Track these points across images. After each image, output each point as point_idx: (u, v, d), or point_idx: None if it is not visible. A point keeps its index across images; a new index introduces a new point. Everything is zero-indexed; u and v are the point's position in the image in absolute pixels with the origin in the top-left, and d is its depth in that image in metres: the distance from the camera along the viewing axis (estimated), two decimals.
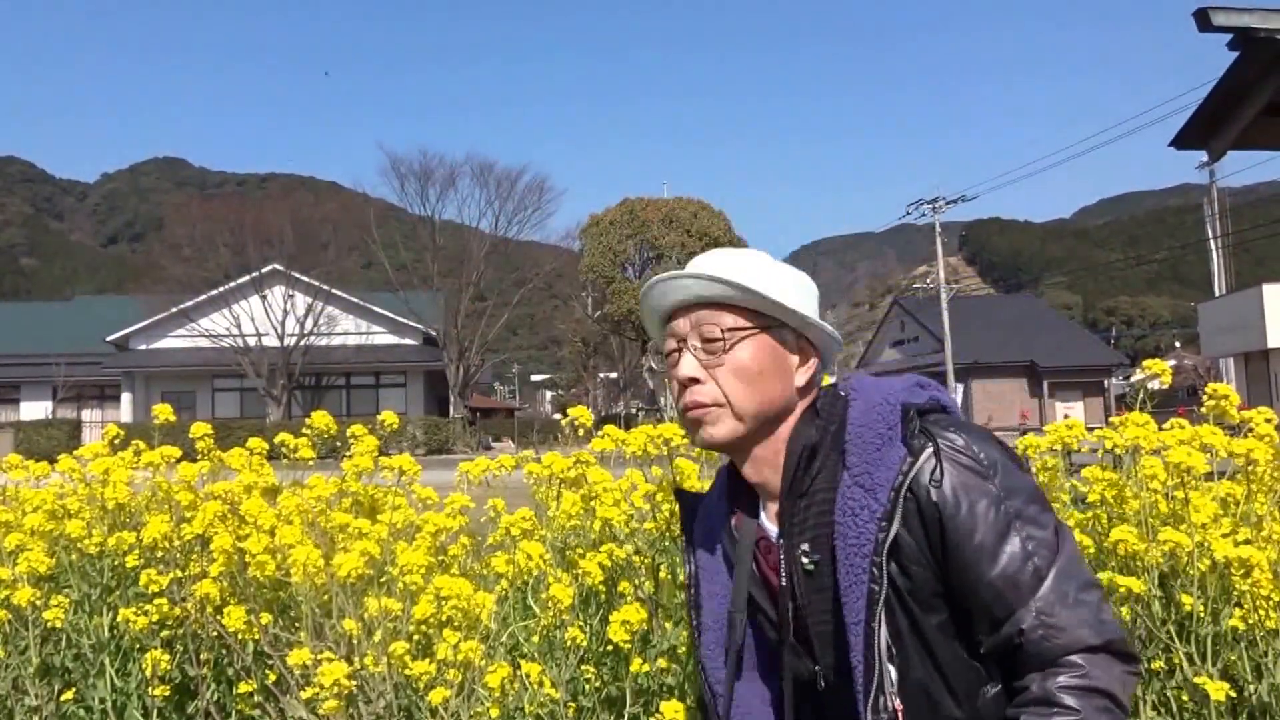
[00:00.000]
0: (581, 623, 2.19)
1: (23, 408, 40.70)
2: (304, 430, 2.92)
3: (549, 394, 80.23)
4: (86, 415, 40.42)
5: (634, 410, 44.16)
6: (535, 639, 2.14)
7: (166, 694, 2.45)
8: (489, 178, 39.82)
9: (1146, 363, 2.55)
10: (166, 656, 2.45)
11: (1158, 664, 2.04)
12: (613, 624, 2.04)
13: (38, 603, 2.44)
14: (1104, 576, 2.29)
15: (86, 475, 2.73)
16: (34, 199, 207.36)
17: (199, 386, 38.74)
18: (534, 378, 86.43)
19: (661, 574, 2.27)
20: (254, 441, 2.93)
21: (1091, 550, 2.32)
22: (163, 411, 2.86)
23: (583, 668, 2.15)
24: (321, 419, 2.88)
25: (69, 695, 2.50)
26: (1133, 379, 59.51)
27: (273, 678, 2.40)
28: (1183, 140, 7.74)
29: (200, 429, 2.74)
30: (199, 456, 2.86)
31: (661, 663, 2.13)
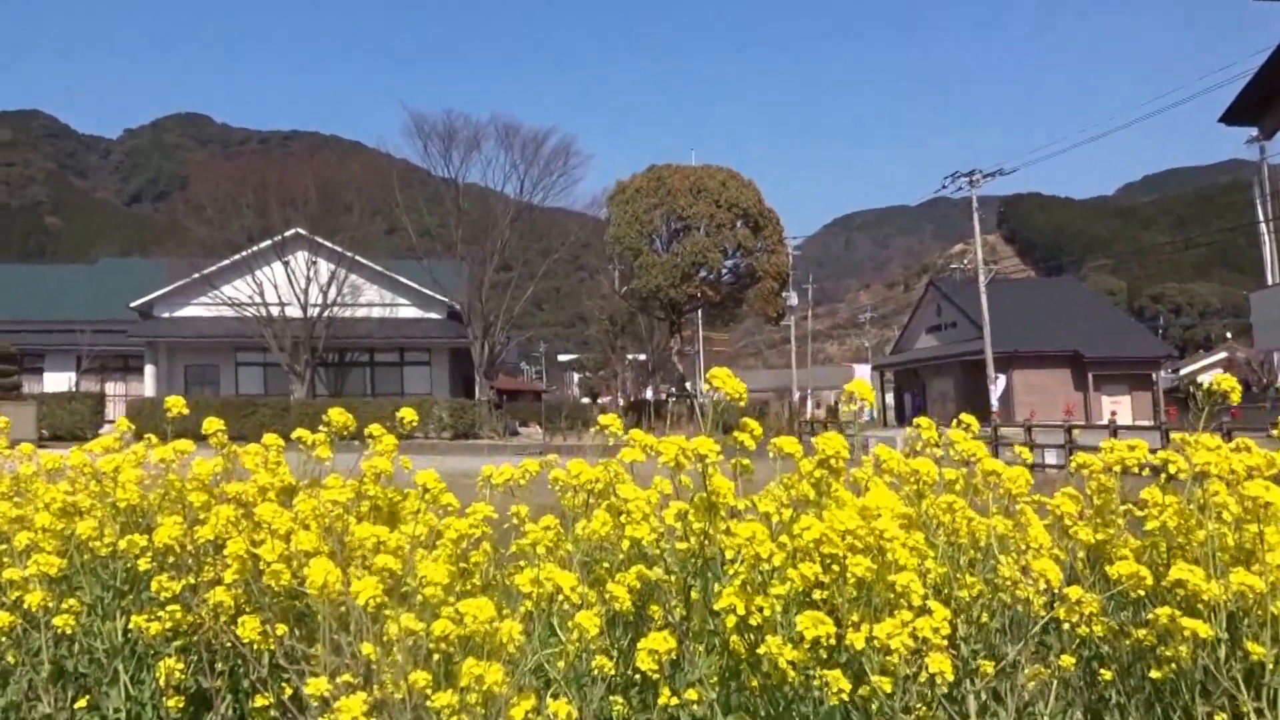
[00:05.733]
0: (609, 644, 2.09)
1: (46, 379, 40.88)
2: (322, 426, 2.83)
3: (576, 376, 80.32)
4: (110, 388, 40.78)
5: (664, 395, 43.99)
6: (561, 664, 2.03)
7: (181, 705, 2.38)
8: (514, 140, 39.31)
9: (1216, 377, 2.37)
10: (180, 665, 2.38)
11: (1221, 716, 1.89)
12: (640, 652, 1.94)
13: (50, 605, 2.37)
14: (1163, 613, 2.15)
15: (98, 472, 2.65)
16: (58, 155, 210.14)
17: (222, 361, 39.06)
18: (561, 358, 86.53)
19: (693, 596, 2.16)
20: (269, 438, 2.84)
21: (1149, 582, 2.16)
22: (175, 404, 2.78)
23: (611, 698, 2.04)
24: (339, 416, 2.78)
25: (83, 702, 2.44)
26: (1182, 372, 58.44)
27: (289, 691, 2.32)
28: (1234, 115, 7.42)
29: (212, 424, 2.65)
30: (215, 448, 2.77)
31: (691, 694, 2.02)
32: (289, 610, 2.41)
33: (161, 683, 2.37)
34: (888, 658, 1.74)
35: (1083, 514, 2.41)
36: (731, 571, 2.02)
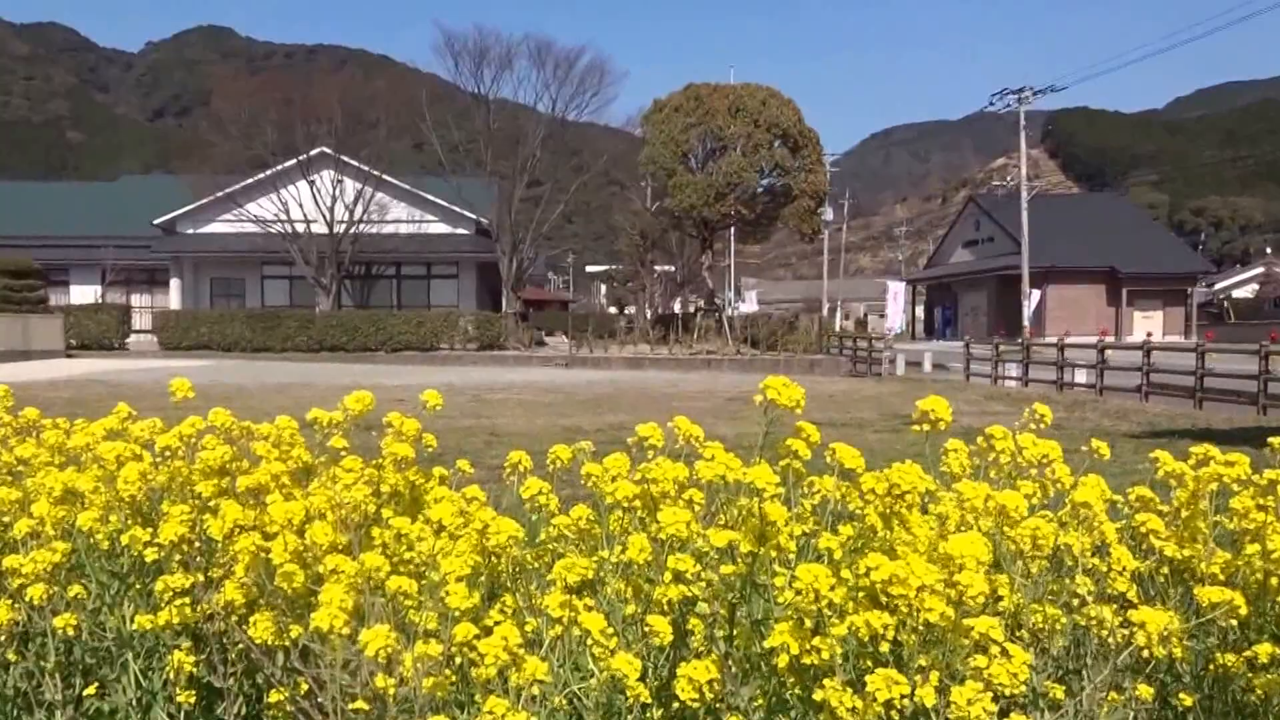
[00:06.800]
0: (644, 660, 1.93)
1: (73, 291, 41.39)
2: (340, 406, 2.64)
3: (604, 287, 79.84)
4: (135, 300, 41.18)
5: (692, 308, 43.65)
6: (594, 693, 1.86)
7: (193, 700, 2.26)
8: (546, 59, 38.59)
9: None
10: (191, 659, 2.25)
11: None
12: (679, 679, 1.77)
13: (54, 594, 2.25)
14: (1263, 651, 1.94)
15: (98, 457, 2.49)
16: (78, 69, 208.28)
17: (248, 274, 39.22)
18: (589, 269, 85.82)
19: (739, 621, 1.97)
20: (283, 420, 2.66)
21: (1244, 611, 1.96)
22: (180, 388, 2.60)
23: None
24: (357, 402, 2.59)
25: (92, 690, 2.34)
26: (1217, 287, 56.96)
27: (304, 688, 2.21)
28: None
29: (220, 416, 2.47)
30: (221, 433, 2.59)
31: None
32: (304, 608, 2.27)
33: (171, 677, 2.25)
34: None
35: (1168, 524, 2.18)
36: (784, 600, 1.82)
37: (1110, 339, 30.33)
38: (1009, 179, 47.97)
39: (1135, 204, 65.90)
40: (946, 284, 52.96)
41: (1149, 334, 33.64)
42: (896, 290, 54.06)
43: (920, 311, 57.44)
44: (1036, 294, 39.64)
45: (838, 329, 49.10)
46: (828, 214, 48.50)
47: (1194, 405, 18.12)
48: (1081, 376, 22.77)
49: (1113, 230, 46.58)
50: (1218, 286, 60.76)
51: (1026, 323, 37.31)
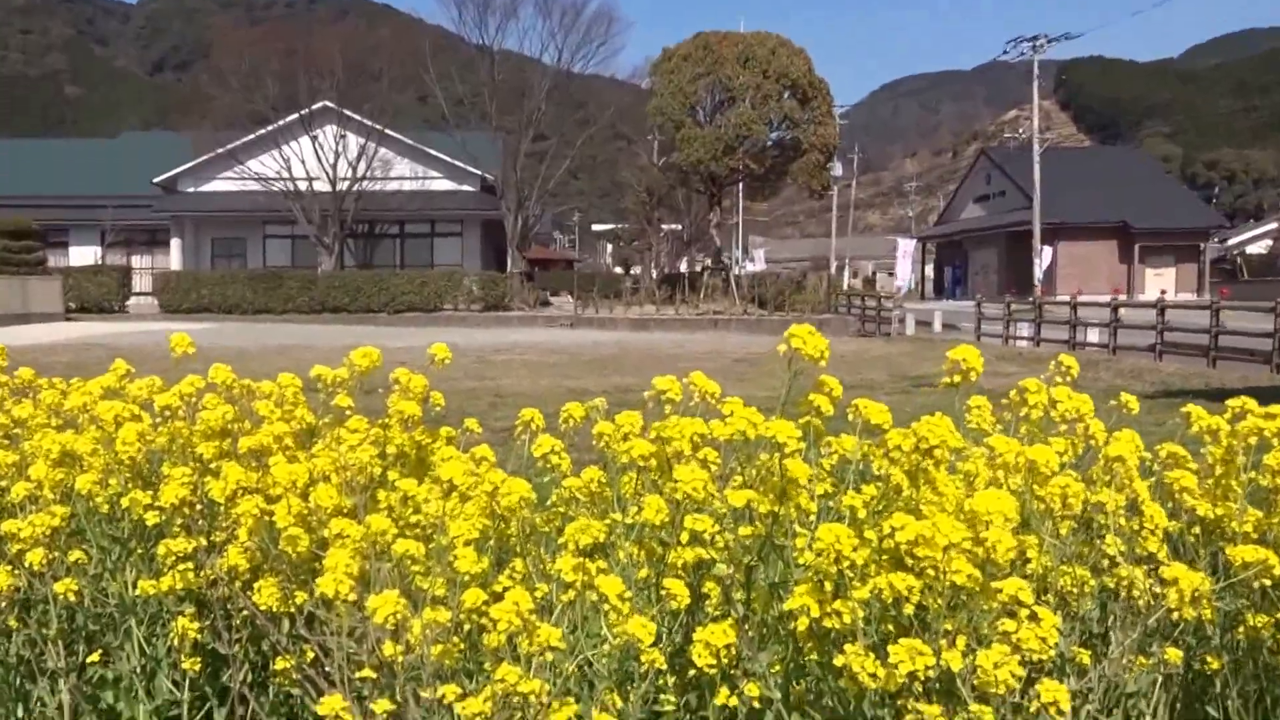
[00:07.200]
0: (658, 625, 1.88)
1: (72, 253, 41.00)
2: (343, 363, 2.57)
3: (610, 246, 79.41)
4: (136, 261, 40.91)
5: (699, 268, 43.36)
6: (605, 658, 1.81)
7: (198, 667, 2.22)
8: (553, 6, 38.04)
9: None
10: (195, 626, 2.21)
11: None
12: (696, 644, 1.71)
13: (54, 559, 2.20)
14: None
15: (96, 418, 2.42)
16: (76, 21, 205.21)
17: (249, 234, 38.97)
18: (595, 227, 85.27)
19: (756, 583, 1.92)
20: (285, 378, 2.59)
21: (1277, 571, 1.89)
22: (179, 343, 2.53)
23: (662, 698, 1.83)
24: (363, 358, 2.52)
25: (95, 657, 2.30)
26: (1230, 242, 56.33)
27: (311, 656, 2.17)
28: None
29: (221, 373, 2.40)
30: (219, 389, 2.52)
31: (751, 689, 1.80)
32: (309, 572, 2.22)
33: (175, 644, 2.21)
34: (993, 688, 1.48)
35: (1201, 482, 2.11)
36: (804, 562, 1.76)
37: (1123, 297, 30.07)
38: (1021, 131, 47.33)
39: (1149, 156, 65.02)
40: (957, 241, 52.52)
41: (1163, 291, 33.36)
42: (906, 248, 53.59)
43: (930, 270, 57.07)
44: (1049, 251, 39.22)
45: (845, 288, 48.80)
46: (836, 169, 47.99)
47: (1208, 364, 17.98)
48: (1094, 336, 22.58)
49: (1125, 184, 45.95)
50: (1231, 242, 60.06)
51: (1038, 281, 37.00)
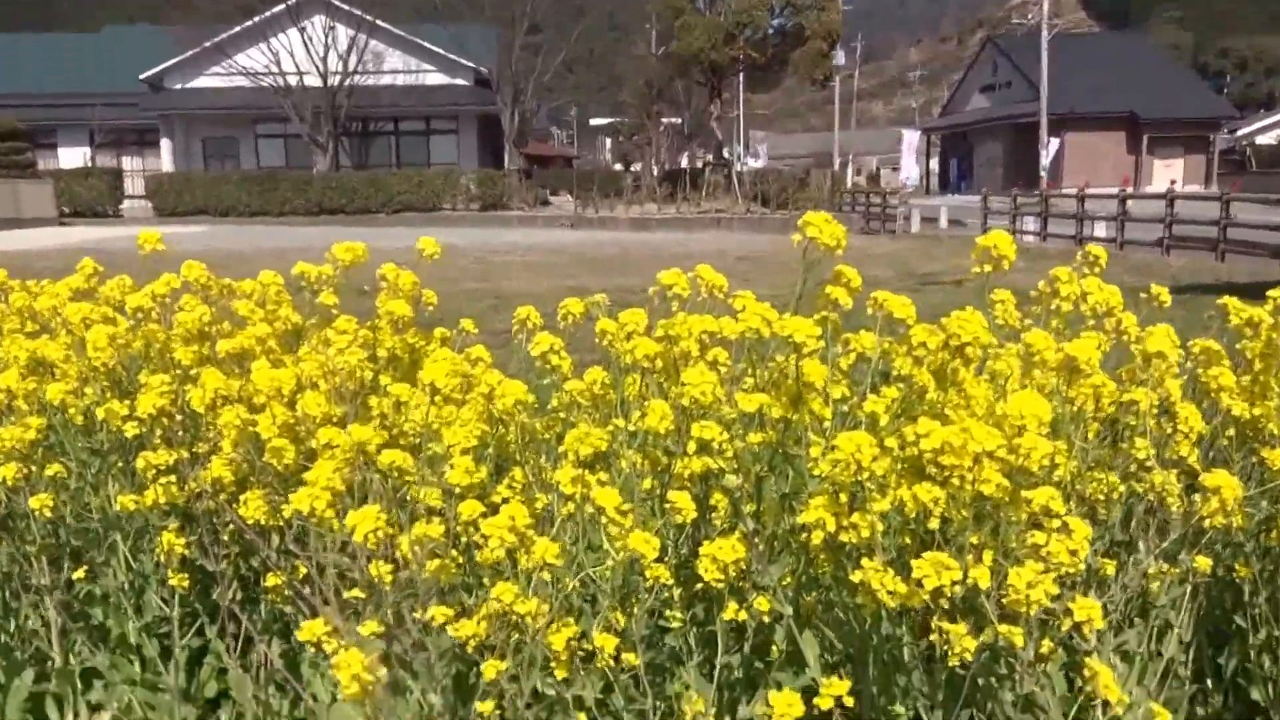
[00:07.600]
0: (663, 538, 1.79)
1: (61, 154, 39.88)
2: (328, 257, 2.42)
3: (609, 141, 77.60)
4: (127, 163, 39.92)
5: (700, 165, 42.48)
6: (608, 574, 1.73)
7: (186, 585, 2.15)
8: None
9: None
10: (181, 541, 2.12)
11: None
12: (703, 559, 1.62)
13: (30, 473, 2.11)
14: None
15: (66, 322, 2.29)
16: None
17: (241, 134, 38.01)
18: (594, 122, 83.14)
19: (766, 493, 1.82)
20: (266, 275, 2.45)
21: None
22: (149, 240, 2.38)
23: (668, 613, 1.76)
24: (345, 252, 2.36)
25: (80, 574, 2.23)
26: (1240, 133, 54.99)
27: (303, 572, 2.09)
28: None
29: (194, 268, 2.26)
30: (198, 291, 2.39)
31: (761, 603, 1.72)
32: (299, 485, 2.13)
33: (162, 559, 2.12)
34: (1024, 608, 1.39)
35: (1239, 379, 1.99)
36: (819, 473, 1.65)
37: (1131, 189, 29.51)
38: (1029, 16, 45.61)
39: (1159, 43, 62.97)
40: (962, 133, 51.33)
41: (1172, 182, 32.68)
42: (911, 140, 52.43)
43: (935, 164, 55.97)
44: (1055, 143, 38.33)
45: (849, 184, 47.94)
46: (839, 58, 46.50)
47: (1216, 258, 17.75)
48: (1100, 230, 22.25)
49: (1133, 73, 44.62)
50: (1240, 133, 58.63)
51: (1044, 173, 36.30)
